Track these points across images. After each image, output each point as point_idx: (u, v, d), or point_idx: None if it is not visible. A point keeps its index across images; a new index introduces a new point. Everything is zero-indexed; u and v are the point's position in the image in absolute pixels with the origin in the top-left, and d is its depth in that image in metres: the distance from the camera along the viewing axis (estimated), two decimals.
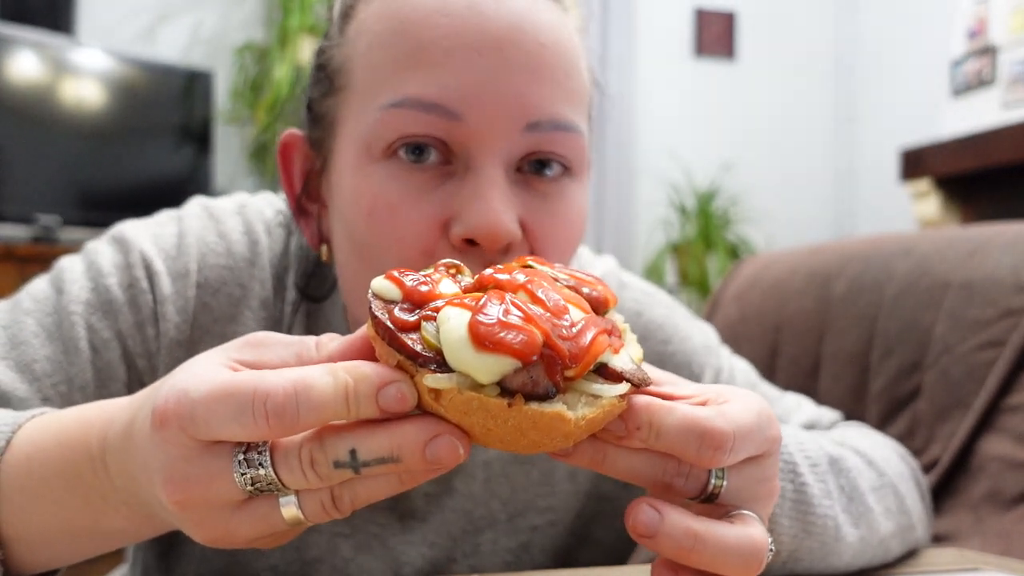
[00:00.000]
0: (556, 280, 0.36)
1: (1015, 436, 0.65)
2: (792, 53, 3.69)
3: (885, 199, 3.29)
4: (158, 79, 2.66)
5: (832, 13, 3.74)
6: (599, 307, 0.35)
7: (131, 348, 0.53)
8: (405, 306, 0.33)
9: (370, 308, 0.32)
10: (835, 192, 3.72)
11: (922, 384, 0.76)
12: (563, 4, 0.46)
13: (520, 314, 0.31)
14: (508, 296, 0.32)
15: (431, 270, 0.36)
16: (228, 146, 2.86)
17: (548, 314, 0.32)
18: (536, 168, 0.44)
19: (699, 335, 0.63)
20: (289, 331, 0.56)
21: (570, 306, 0.34)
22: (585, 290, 0.35)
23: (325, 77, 0.49)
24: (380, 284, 0.34)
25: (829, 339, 0.89)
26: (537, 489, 0.60)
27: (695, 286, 3.15)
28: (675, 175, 3.40)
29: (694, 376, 0.59)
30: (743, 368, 0.64)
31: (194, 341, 0.54)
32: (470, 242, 0.43)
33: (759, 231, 3.39)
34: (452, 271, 0.36)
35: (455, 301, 0.32)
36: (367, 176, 0.44)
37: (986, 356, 0.69)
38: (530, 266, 0.37)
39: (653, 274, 3.28)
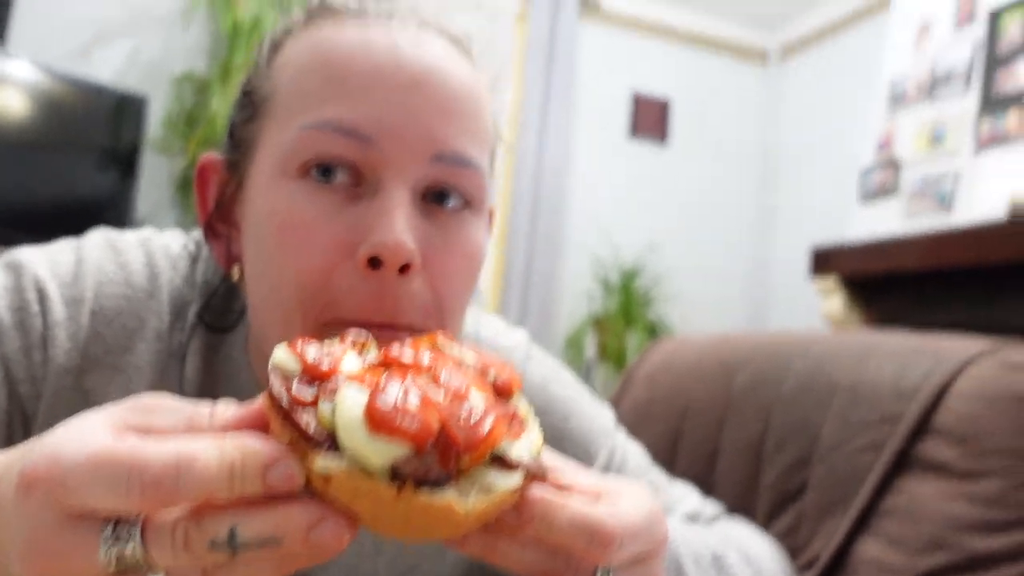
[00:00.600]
0: (462, 362, 0.36)
1: (888, 539, 0.69)
2: (721, 144, 3.91)
3: (796, 292, 3.47)
4: (88, 99, 2.58)
5: (758, 111, 4.00)
6: (504, 391, 0.36)
7: (14, 372, 0.50)
8: (304, 380, 0.32)
9: (269, 382, 0.32)
10: (751, 280, 3.89)
11: (809, 480, 0.80)
12: (474, 62, 0.50)
13: (418, 398, 0.31)
14: (409, 378, 0.33)
15: (336, 342, 0.36)
16: (156, 175, 2.79)
17: (448, 399, 0.33)
18: (438, 199, 0.47)
19: (598, 416, 0.65)
20: (183, 363, 0.54)
21: (473, 390, 0.34)
22: (491, 373, 0.36)
23: (249, 103, 0.50)
24: (280, 356, 0.33)
25: (728, 428, 0.93)
26: (426, 551, 0.59)
27: (613, 360, 3.22)
28: (602, 250, 3.51)
29: (589, 455, 0.61)
30: (636, 452, 0.66)
31: (84, 370, 0.52)
32: (372, 263, 0.44)
33: (676, 312, 3.51)
34: (358, 345, 0.36)
35: (355, 379, 0.32)
36: (280, 192, 0.45)
37: (866, 458, 0.74)
38: (438, 346, 0.37)
39: (573, 345, 3.33)
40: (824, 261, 2.85)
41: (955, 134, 2.54)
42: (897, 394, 0.74)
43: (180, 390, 0.53)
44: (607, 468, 0.61)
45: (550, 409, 0.61)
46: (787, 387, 0.87)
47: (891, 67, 2.86)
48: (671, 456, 1.01)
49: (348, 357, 0.34)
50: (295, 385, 0.32)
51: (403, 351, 0.35)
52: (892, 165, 2.75)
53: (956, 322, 2.49)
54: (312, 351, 0.33)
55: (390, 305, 0.44)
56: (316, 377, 0.32)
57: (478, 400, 0.34)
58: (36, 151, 2.48)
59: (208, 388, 0.54)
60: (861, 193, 2.89)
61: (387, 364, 0.34)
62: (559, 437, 0.60)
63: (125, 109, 2.63)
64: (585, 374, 3.38)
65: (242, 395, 0.54)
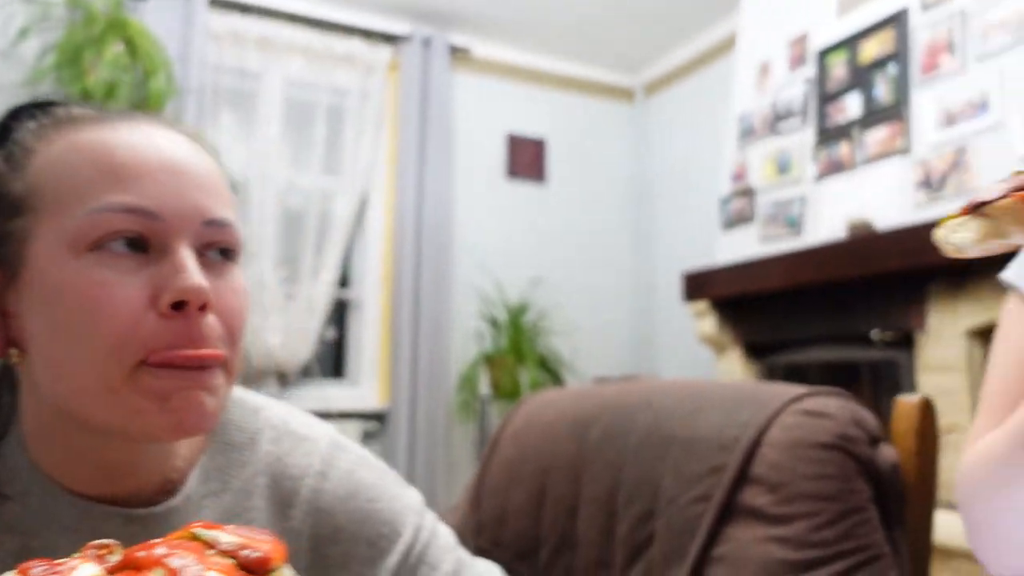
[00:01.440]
0: (213, 546, 0.37)
1: None
2: (596, 179, 4.08)
3: (678, 315, 3.65)
4: None
5: (629, 146, 4.20)
6: (260, 568, 0.36)
7: None
8: None
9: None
10: (635, 307, 4.06)
11: (655, 532, 0.85)
12: (208, 149, 0.60)
13: None
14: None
15: (76, 555, 0.36)
16: None
17: None
18: (212, 255, 0.55)
19: (406, 497, 0.68)
20: None
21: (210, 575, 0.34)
22: (244, 552, 0.36)
23: (7, 205, 0.54)
24: None
25: (586, 483, 0.98)
26: None
27: (507, 396, 3.26)
28: (489, 288, 3.57)
29: (396, 532, 0.65)
30: (444, 532, 0.70)
31: None
32: (176, 307, 0.51)
33: (566, 343, 3.61)
34: (102, 551, 0.36)
35: None
36: (73, 267, 0.51)
37: (698, 509, 0.80)
38: (195, 535, 0.37)
39: (467, 384, 3.36)
40: (695, 286, 3.02)
41: (798, 163, 2.78)
42: (721, 445, 0.81)
43: None
44: (412, 545, 0.65)
45: (357, 493, 0.65)
46: (633, 441, 0.93)
47: (739, 104, 3.09)
48: (538, 513, 1.04)
49: (84, 567, 0.34)
50: None
51: (141, 550, 0.35)
52: (747, 194, 2.97)
53: (813, 335, 2.70)
54: (39, 569, 0.33)
55: (197, 337, 0.51)
56: None
57: None
58: None
59: None
60: (723, 220, 3.09)
61: (125, 565, 0.35)
62: (365, 519, 0.64)
63: None
64: (480, 412, 3.41)
65: (30, 493, 0.55)
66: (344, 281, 3.55)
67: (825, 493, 0.73)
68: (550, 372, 3.38)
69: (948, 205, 2.22)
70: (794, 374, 2.87)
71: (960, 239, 0.38)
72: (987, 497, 0.53)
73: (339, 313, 3.57)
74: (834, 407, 0.78)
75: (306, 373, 3.34)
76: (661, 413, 0.92)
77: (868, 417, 0.80)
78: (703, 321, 3.06)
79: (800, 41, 2.84)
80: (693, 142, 3.81)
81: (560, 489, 1.01)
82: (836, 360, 2.66)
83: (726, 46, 3.53)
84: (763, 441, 0.78)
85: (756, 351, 2.93)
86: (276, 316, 3.23)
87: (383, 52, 3.55)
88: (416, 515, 0.67)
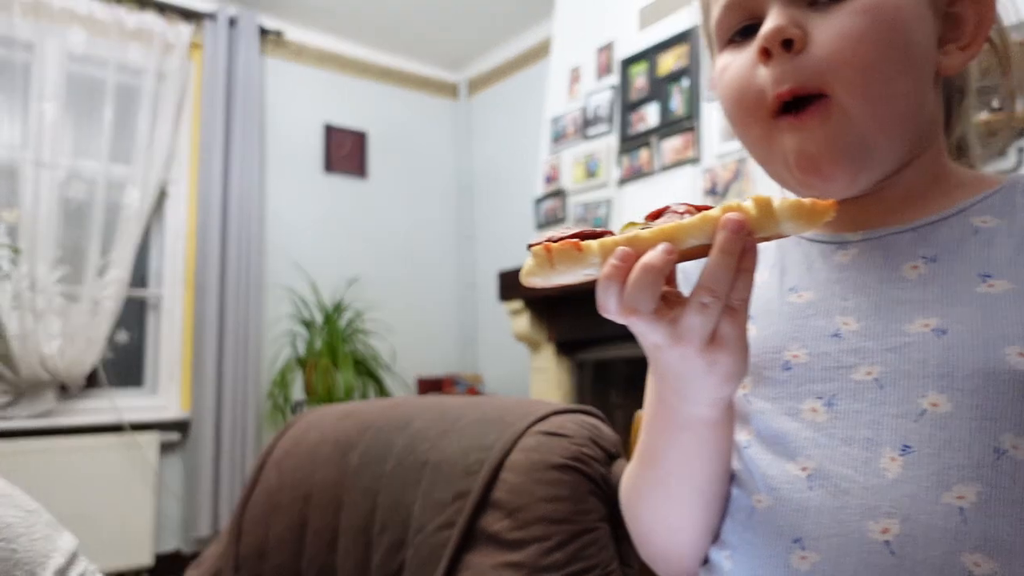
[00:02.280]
0: None
1: None
2: (419, 175, 4.03)
3: (498, 314, 3.70)
4: None
5: (452, 143, 4.19)
6: None
7: None
8: None
9: None
10: (457, 306, 4.06)
11: (405, 562, 0.83)
12: None
13: None
14: None
15: None
16: None
17: None
18: None
19: (54, 540, 0.65)
20: None
21: None
22: None
23: None
24: None
25: (346, 512, 0.93)
26: None
27: (322, 401, 3.14)
28: (303, 288, 3.41)
29: (32, 573, 0.62)
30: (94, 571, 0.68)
31: None
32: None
33: (385, 344, 3.54)
34: None
35: None
36: None
37: (443, 536, 0.78)
38: None
39: (280, 388, 3.19)
40: (510, 285, 3.07)
41: (604, 167, 2.89)
42: (466, 470, 0.80)
43: None
44: None
45: None
46: (389, 466, 0.90)
47: (553, 107, 3.17)
48: (298, 546, 0.99)
49: None
50: None
51: None
52: (559, 195, 3.06)
53: (618, 332, 2.83)
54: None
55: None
56: None
57: None
58: None
59: None
60: (537, 220, 3.16)
61: None
62: (6, 559, 0.62)
63: None
64: (293, 414, 3.25)
65: None
66: (141, 280, 3.24)
67: (558, 515, 0.73)
68: (368, 375, 3.30)
69: None
70: (602, 369, 3.00)
71: (527, 269, 0.43)
72: (634, 515, 0.56)
73: (136, 315, 3.26)
74: (572, 427, 0.79)
75: (92, 382, 3.02)
76: (417, 436, 0.90)
77: (608, 434, 0.82)
78: (518, 319, 3.11)
79: (607, 50, 2.96)
80: (514, 141, 3.87)
81: (321, 519, 0.96)
82: (639, 356, 2.81)
83: (544, 49, 3.61)
84: (505, 465, 0.78)
85: (568, 348, 3.03)
86: (54, 319, 2.88)
87: (183, 29, 3.26)
88: (62, 556, 0.64)
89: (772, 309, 0.54)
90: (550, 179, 3.13)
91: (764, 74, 0.49)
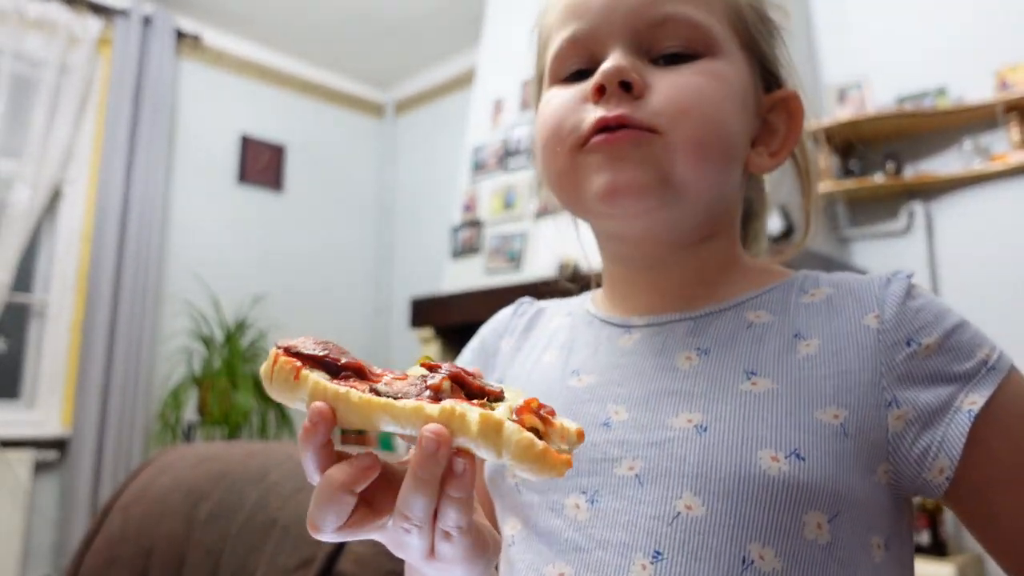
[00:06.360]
0: None
1: None
2: (339, 193, 3.94)
3: (411, 340, 3.63)
4: None
5: (375, 162, 4.13)
6: None
7: None
8: None
9: None
10: (370, 330, 3.98)
11: None
12: None
13: None
14: None
15: None
16: None
17: None
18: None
19: None
20: None
21: None
22: None
23: None
24: None
25: (186, 572, 0.87)
26: None
27: (217, 423, 2.99)
28: (204, 304, 3.27)
29: None
30: None
31: None
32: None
33: None
34: None
35: None
36: None
37: None
38: None
39: (172, 408, 3.03)
40: (422, 312, 3.02)
41: (522, 201, 2.90)
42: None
43: None
44: None
45: None
46: (237, 523, 0.84)
47: (474, 136, 3.16)
48: None
49: None
50: None
51: None
52: (476, 224, 3.04)
53: None
54: None
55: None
56: None
57: None
58: None
59: None
60: (452, 249, 3.13)
61: None
62: None
63: None
64: (185, 436, 3.09)
65: None
66: (26, 284, 3.03)
67: None
68: (268, 399, 3.17)
69: None
70: None
71: (264, 367, 0.37)
72: None
73: (17, 321, 3.03)
74: None
75: None
76: (271, 490, 0.84)
77: None
78: (428, 348, 3.06)
79: (531, 84, 2.97)
80: (436, 167, 3.84)
81: None
82: None
83: (471, 76, 3.61)
84: None
85: None
86: None
87: (92, 23, 3.10)
88: None
89: (553, 392, 0.53)
90: (468, 208, 3.11)
91: (589, 111, 0.48)
